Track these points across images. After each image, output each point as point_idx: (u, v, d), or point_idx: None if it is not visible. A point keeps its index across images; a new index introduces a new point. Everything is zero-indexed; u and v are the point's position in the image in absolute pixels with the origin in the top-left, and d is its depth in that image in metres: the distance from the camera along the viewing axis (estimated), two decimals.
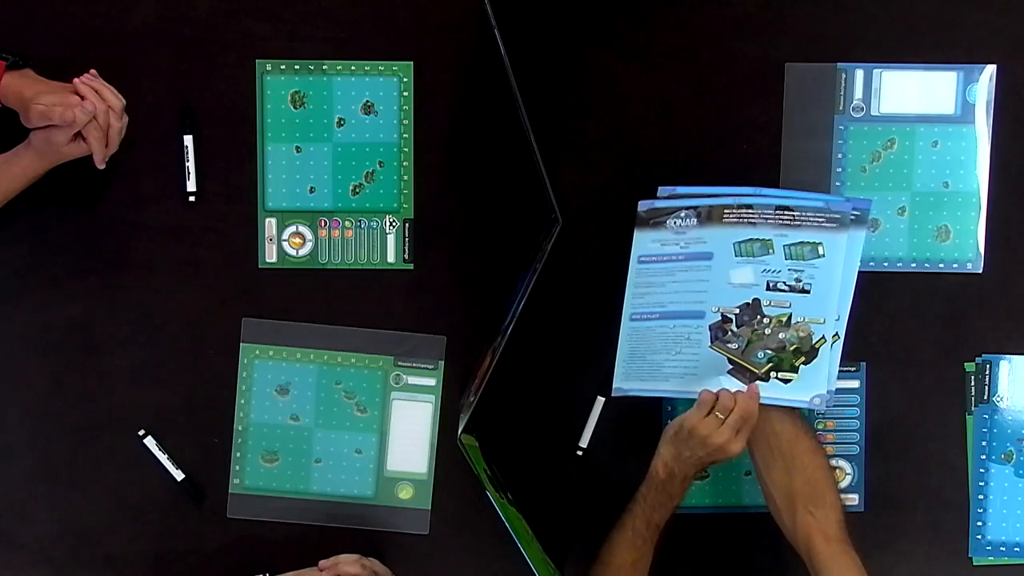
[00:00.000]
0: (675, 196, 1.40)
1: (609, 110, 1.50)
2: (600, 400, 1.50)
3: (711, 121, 1.50)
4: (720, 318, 1.40)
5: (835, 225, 1.36)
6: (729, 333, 1.40)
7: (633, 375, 1.44)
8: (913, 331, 1.52)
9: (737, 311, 1.40)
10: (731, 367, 1.40)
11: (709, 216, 1.39)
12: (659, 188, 1.39)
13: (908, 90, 1.50)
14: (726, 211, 1.38)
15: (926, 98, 1.50)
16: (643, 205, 1.41)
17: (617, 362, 1.44)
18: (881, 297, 1.50)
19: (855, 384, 1.51)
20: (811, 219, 1.37)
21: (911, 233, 1.51)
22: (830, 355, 1.39)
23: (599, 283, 1.48)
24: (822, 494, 1.37)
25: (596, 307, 1.49)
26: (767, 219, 1.38)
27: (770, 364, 1.39)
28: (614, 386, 1.44)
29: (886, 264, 1.51)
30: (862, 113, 1.50)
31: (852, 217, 1.37)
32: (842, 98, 1.50)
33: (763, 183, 1.47)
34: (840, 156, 1.51)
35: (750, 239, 1.38)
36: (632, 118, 1.50)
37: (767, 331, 1.39)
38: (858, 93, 1.50)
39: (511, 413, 1.50)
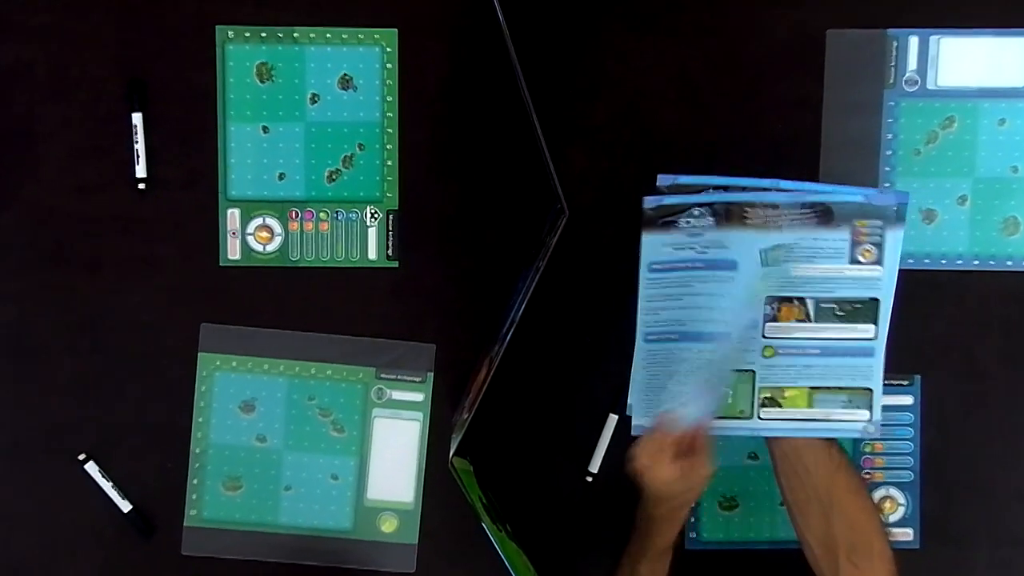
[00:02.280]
0: (678, 188, 1.31)
1: (622, 86, 1.45)
2: (613, 418, 1.45)
3: (740, 99, 1.44)
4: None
5: (879, 223, 1.28)
6: None
7: (654, 408, 1.34)
8: (976, 338, 1.45)
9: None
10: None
11: (728, 216, 1.31)
12: (658, 176, 1.31)
13: (971, 60, 1.43)
14: (747, 210, 1.30)
15: (992, 69, 1.43)
16: (649, 201, 1.32)
17: (631, 393, 1.36)
18: (938, 299, 1.44)
19: (908, 400, 1.45)
20: (847, 217, 1.29)
21: (973, 225, 1.44)
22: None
23: (611, 283, 1.43)
24: (867, 541, 1.28)
25: (608, 311, 1.44)
26: (794, 220, 1.29)
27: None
28: (633, 423, 1.36)
29: (944, 261, 1.44)
30: (916, 87, 1.43)
31: (894, 211, 1.28)
32: (893, 70, 1.43)
33: (800, 169, 1.41)
34: (890, 137, 1.44)
35: (777, 246, 1.29)
36: (649, 95, 1.45)
37: None
38: (912, 64, 1.43)
39: (511, 433, 1.46)
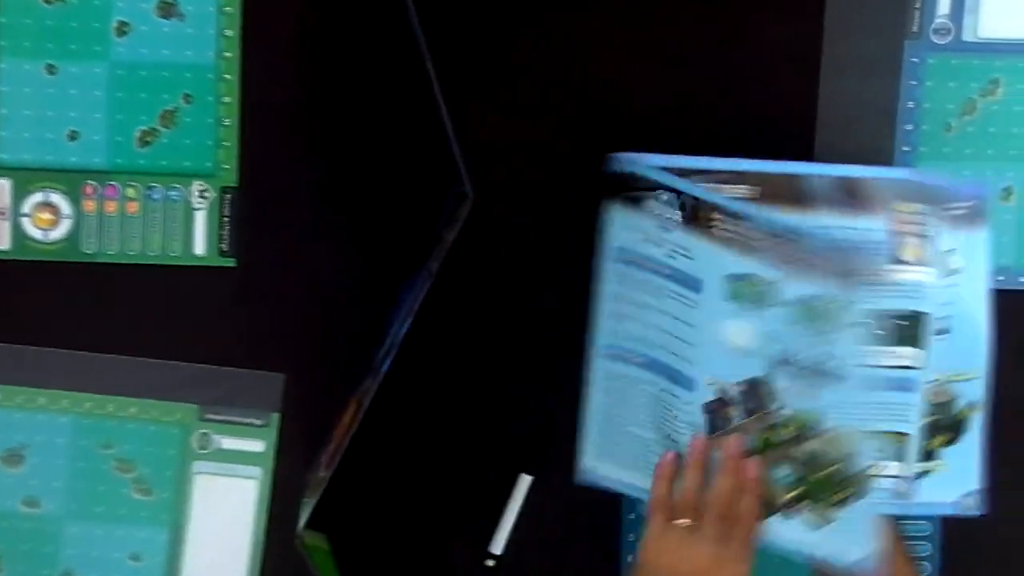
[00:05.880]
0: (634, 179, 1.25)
1: (555, 27, 1.35)
2: (525, 480, 1.36)
3: (714, 49, 1.35)
4: (717, 396, 1.24)
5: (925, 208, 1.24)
6: (730, 426, 1.25)
7: (608, 452, 1.28)
8: (1021, 383, 1.35)
9: (741, 389, 1.24)
10: None
11: (694, 216, 1.24)
12: (612, 158, 1.24)
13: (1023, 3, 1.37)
14: (712, 215, 1.23)
15: None
16: (619, 161, 1.25)
17: (587, 425, 1.29)
18: None
19: None
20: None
21: (1022, 229, 1.35)
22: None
23: (529, 295, 1.36)
24: None
25: (523, 333, 1.37)
26: (770, 245, 1.23)
27: (797, 491, 1.24)
28: (582, 465, 1.29)
29: None
30: (949, 38, 1.33)
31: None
32: (918, 14, 1.33)
33: (790, 146, 1.31)
34: (912, 106, 1.34)
35: (747, 275, 1.23)
36: (592, 43, 1.35)
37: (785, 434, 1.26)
38: (943, 7, 1.33)
39: (384, 498, 1.37)
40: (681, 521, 1.21)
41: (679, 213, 1.26)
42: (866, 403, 1.25)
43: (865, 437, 1.26)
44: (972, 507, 1.27)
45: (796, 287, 1.25)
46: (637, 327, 1.28)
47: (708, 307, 1.26)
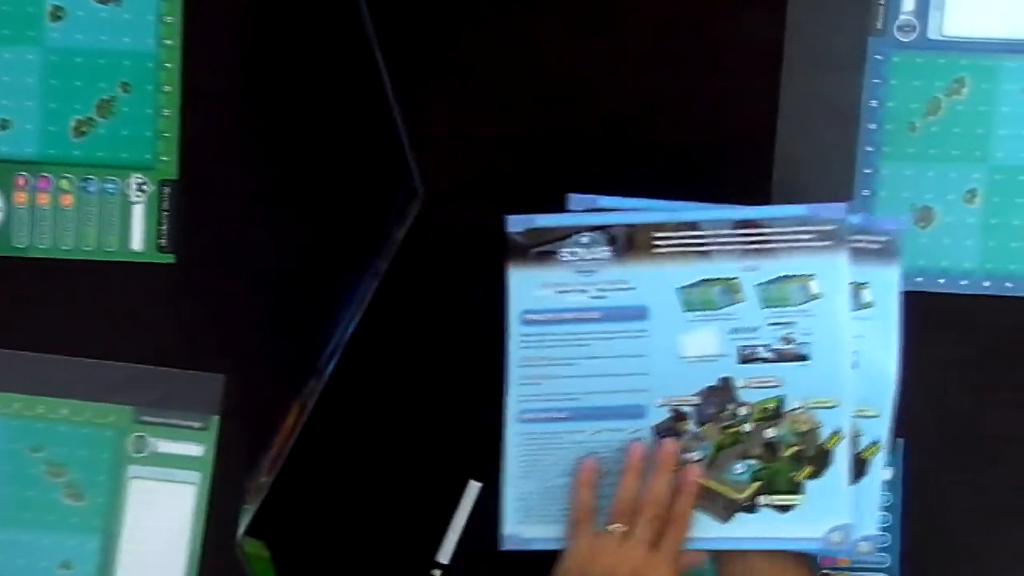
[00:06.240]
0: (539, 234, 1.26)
1: (508, 21, 1.34)
2: (474, 487, 1.36)
3: (674, 46, 1.34)
4: (670, 415, 1.24)
5: (828, 242, 1.23)
6: (685, 437, 1.24)
7: (532, 514, 1.26)
8: (985, 391, 1.33)
9: (697, 401, 1.24)
10: None
11: (630, 243, 1.24)
12: (508, 219, 1.23)
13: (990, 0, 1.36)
14: (655, 235, 1.23)
15: (1019, 14, 1.32)
16: (516, 223, 1.27)
17: (505, 491, 1.27)
18: (934, 334, 1.30)
19: (885, 475, 1.31)
20: (789, 236, 1.24)
21: (986, 232, 1.33)
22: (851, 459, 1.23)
23: (479, 296, 1.33)
24: None
25: (473, 335, 1.34)
26: (725, 244, 1.24)
27: (756, 483, 1.24)
28: (505, 533, 1.28)
29: (942, 281, 1.34)
30: (913, 35, 1.32)
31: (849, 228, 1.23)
32: (882, 11, 1.32)
33: (748, 147, 1.31)
34: (875, 105, 1.33)
35: (704, 280, 1.23)
36: (545, 35, 1.34)
37: (746, 428, 1.24)
38: (908, 4, 1.32)
39: (328, 505, 1.36)
40: (615, 526, 1.22)
41: (608, 249, 1.25)
42: (828, 375, 1.24)
43: (829, 407, 1.25)
44: (840, 544, 1.25)
45: (763, 272, 1.24)
46: (556, 384, 1.27)
47: (659, 329, 1.26)
